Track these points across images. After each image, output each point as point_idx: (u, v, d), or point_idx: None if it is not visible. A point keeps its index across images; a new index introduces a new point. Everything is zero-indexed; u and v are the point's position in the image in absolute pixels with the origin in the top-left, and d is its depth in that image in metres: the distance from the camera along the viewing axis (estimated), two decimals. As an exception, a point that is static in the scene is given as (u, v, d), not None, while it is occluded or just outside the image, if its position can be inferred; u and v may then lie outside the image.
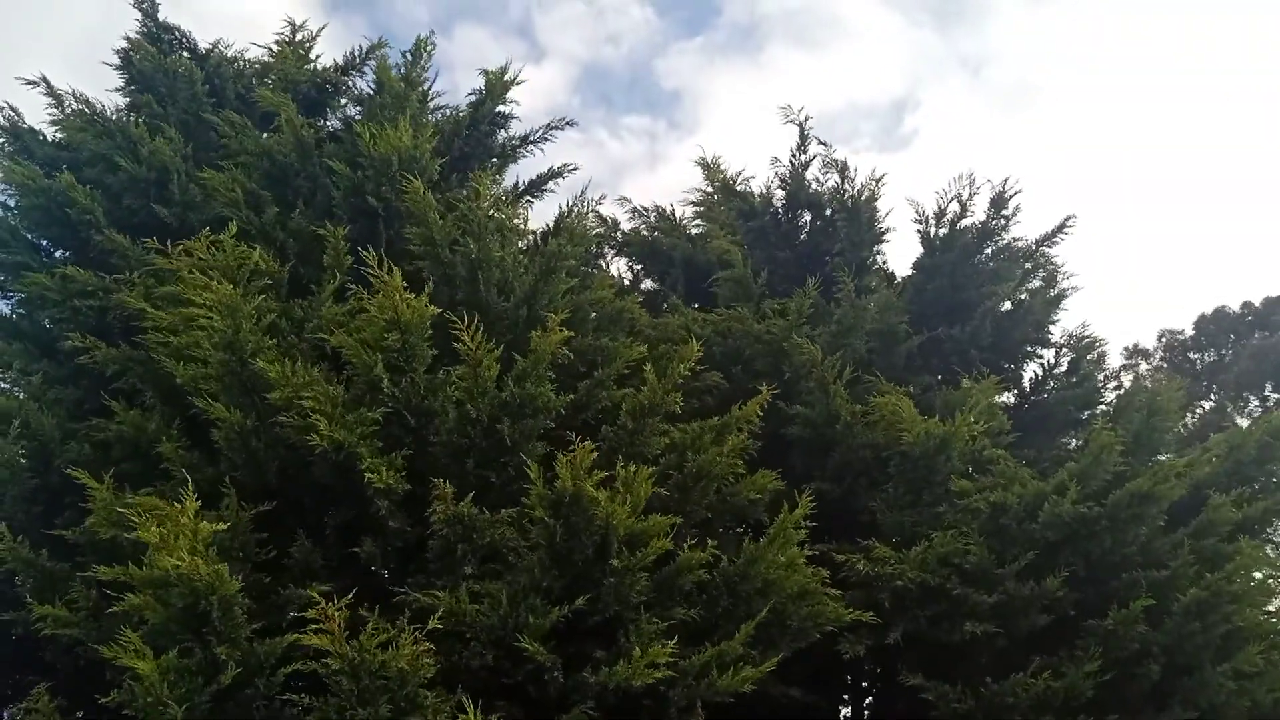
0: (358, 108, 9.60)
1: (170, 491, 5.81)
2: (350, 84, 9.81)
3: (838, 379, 9.01)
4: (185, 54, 9.40)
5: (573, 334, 7.04)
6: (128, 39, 9.13)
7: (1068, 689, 7.46)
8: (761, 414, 7.51)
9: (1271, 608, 8.43)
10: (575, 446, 5.87)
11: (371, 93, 9.15)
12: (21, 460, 6.94)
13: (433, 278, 7.18)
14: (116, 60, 9.13)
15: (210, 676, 5.17)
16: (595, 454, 5.94)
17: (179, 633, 5.26)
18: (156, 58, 8.86)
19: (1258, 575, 8.29)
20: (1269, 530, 9.83)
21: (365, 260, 6.38)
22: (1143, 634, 7.66)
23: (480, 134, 9.36)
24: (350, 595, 5.26)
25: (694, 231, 12.37)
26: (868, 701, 9.57)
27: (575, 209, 8.88)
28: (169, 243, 6.58)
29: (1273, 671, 7.80)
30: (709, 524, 7.34)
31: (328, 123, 9.36)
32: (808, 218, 11.99)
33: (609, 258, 12.43)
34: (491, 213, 7.75)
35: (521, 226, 8.54)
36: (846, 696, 9.60)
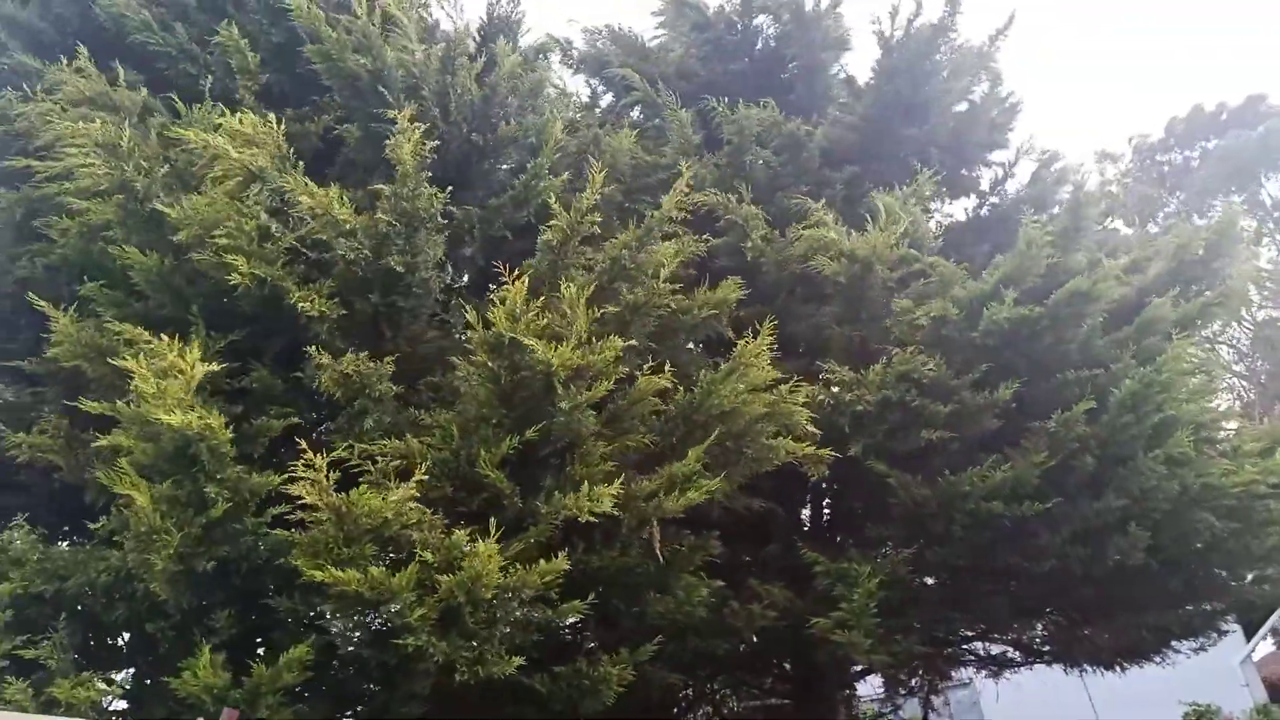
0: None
1: (141, 316, 6.04)
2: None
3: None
4: None
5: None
6: None
7: (1016, 479, 8.17)
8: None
9: (1203, 403, 8.86)
10: (507, 284, 6.14)
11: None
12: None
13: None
14: None
15: (200, 509, 5.59)
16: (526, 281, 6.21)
17: (168, 470, 5.61)
18: None
19: (1188, 369, 8.66)
20: (1208, 327, 10.15)
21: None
22: (1081, 431, 8.24)
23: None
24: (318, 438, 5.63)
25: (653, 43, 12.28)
26: (826, 503, 10.30)
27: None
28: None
29: (1199, 458, 8.37)
30: (663, 341, 7.58)
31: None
32: (765, 24, 11.87)
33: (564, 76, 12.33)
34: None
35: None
36: (809, 499, 10.33)
